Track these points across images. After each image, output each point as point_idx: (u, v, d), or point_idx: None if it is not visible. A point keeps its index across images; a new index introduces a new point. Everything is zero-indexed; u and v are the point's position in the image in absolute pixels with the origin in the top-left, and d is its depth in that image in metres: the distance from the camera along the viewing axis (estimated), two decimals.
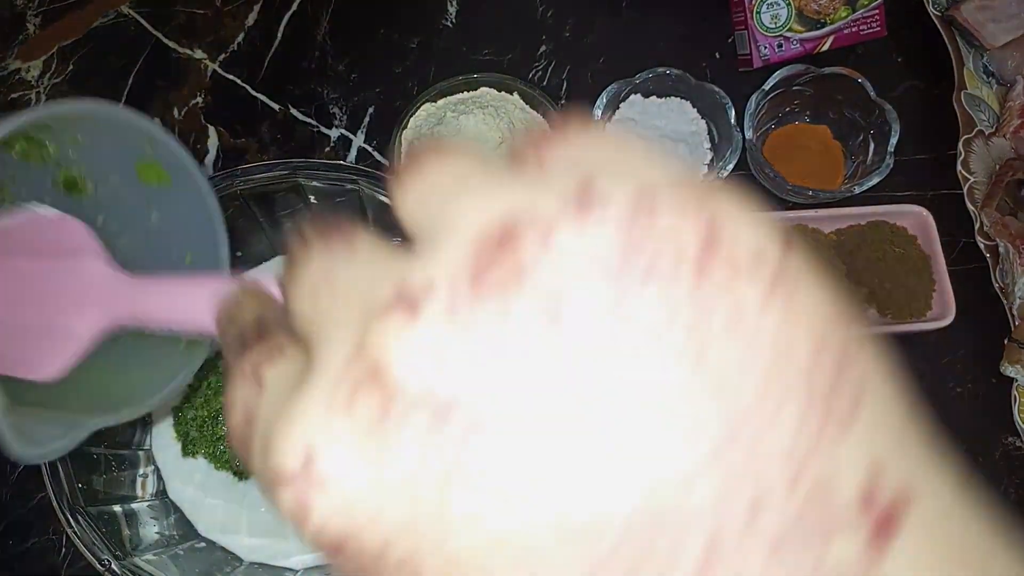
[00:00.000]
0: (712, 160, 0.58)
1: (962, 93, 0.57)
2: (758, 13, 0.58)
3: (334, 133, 0.61)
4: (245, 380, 0.13)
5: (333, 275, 0.13)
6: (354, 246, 0.13)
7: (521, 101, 0.57)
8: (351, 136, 0.61)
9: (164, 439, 0.49)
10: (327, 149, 0.61)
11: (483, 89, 0.57)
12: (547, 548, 0.10)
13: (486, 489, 0.10)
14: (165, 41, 0.64)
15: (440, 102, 0.57)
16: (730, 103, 0.56)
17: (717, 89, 0.57)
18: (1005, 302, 0.53)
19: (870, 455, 0.10)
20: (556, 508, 0.10)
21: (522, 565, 0.10)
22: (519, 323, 0.10)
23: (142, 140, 0.30)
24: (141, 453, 0.49)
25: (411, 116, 0.56)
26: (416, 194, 0.12)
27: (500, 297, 0.10)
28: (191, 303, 0.23)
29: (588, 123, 0.12)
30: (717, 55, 0.62)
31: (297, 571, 0.47)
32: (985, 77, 0.59)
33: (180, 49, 0.64)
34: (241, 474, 0.49)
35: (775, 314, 0.10)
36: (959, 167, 0.55)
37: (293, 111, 0.61)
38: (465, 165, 0.12)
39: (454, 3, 0.64)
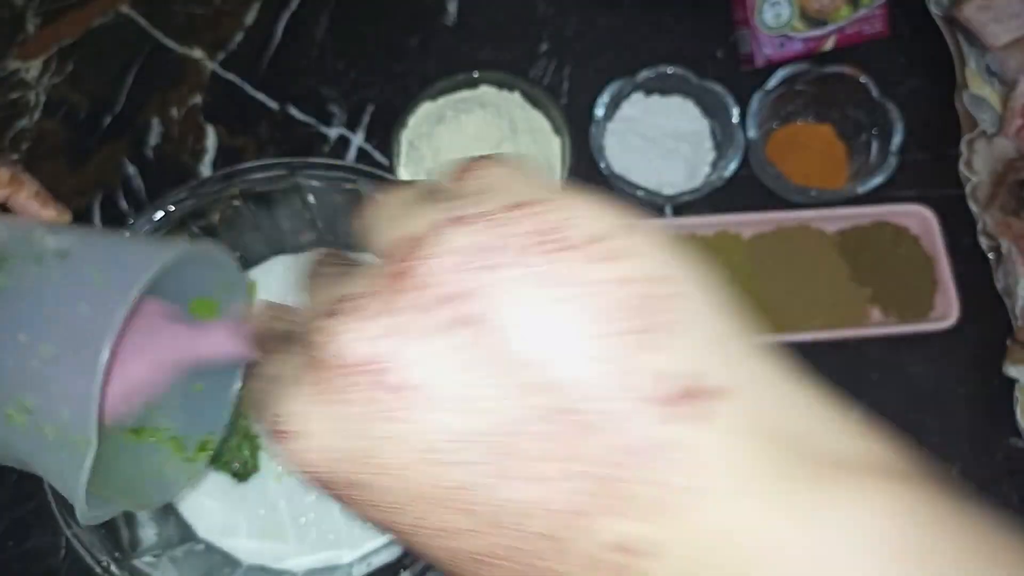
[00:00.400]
0: (715, 160, 0.58)
1: (964, 93, 0.56)
2: (760, 12, 0.58)
3: (333, 132, 0.61)
4: (268, 379, 0.18)
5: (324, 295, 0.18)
6: (348, 275, 0.18)
7: (522, 99, 0.57)
8: (350, 135, 0.61)
9: None
10: (326, 148, 0.60)
11: (484, 88, 0.57)
12: (444, 452, 0.15)
13: (397, 420, 0.15)
14: (164, 41, 0.64)
15: (440, 100, 0.57)
16: (733, 102, 0.56)
17: (719, 88, 0.56)
18: (1008, 302, 0.52)
19: (690, 364, 0.14)
20: (446, 423, 0.14)
21: (428, 463, 0.15)
22: (405, 306, 0.15)
23: (219, 284, 0.36)
24: None
25: (411, 115, 0.56)
26: (366, 222, 0.18)
27: (391, 292, 0.15)
28: (223, 341, 0.28)
29: (494, 161, 0.17)
30: (719, 54, 0.62)
31: (296, 573, 0.47)
32: (987, 77, 0.58)
33: (179, 48, 0.63)
34: (240, 476, 0.48)
35: (602, 271, 0.14)
36: (962, 167, 0.55)
37: (292, 110, 0.61)
38: (399, 202, 0.17)
39: (454, 1, 0.64)
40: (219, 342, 0.28)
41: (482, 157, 0.18)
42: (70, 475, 0.28)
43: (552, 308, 0.14)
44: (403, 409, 0.15)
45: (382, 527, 0.17)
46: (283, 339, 0.20)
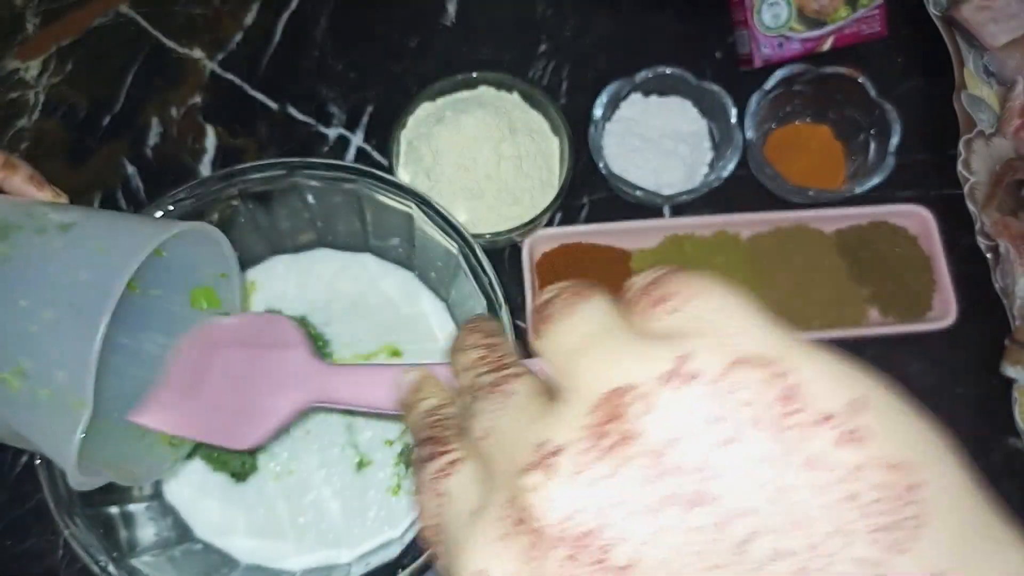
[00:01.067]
0: (713, 160, 0.58)
1: (962, 93, 0.57)
2: (759, 12, 0.58)
3: (333, 132, 0.61)
4: (430, 491, 0.18)
5: (495, 423, 0.17)
6: (511, 395, 0.18)
7: (521, 100, 0.57)
8: (350, 135, 0.61)
9: None
10: (326, 148, 0.60)
11: (482, 88, 0.57)
12: None
13: None
14: (164, 41, 0.64)
15: (439, 101, 0.57)
16: (731, 102, 0.56)
17: (718, 88, 0.56)
18: (1006, 302, 0.52)
19: (935, 566, 0.13)
20: None
21: None
22: (629, 474, 0.14)
23: (215, 273, 0.36)
24: None
25: (410, 115, 0.56)
26: (551, 343, 0.17)
27: (613, 456, 0.14)
28: (372, 388, 0.27)
29: (690, 283, 0.16)
30: (718, 54, 0.62)
31: (295, 573, 0.47)
32: (985, 77, 0.58)
33: (179, 49, 0.63)
34: (238, 476, 0.48)
35: (843, 455, 0.13)
36: (960, 167, 0.55)
37: (291, 110, 0.61)
38: (590, 324, 0.16)
39: (453, 2, 0.64)
40: (378, 395, 0.27)
41: (673, 273, 0.16)
42: (63, 438, 0.28)
43: (793, 496, 0.13)
44: None
45: None
46: (441, 425, 0.20)
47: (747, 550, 0.13)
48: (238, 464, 0.48)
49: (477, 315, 0.23)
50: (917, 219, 0.56)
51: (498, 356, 0.20)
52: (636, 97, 0.58)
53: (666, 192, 0.56)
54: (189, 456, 0.48)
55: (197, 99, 0.62)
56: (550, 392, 0.17)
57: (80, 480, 0.30)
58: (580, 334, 0.16)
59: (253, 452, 0.49)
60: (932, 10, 0.58)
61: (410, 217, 0.46)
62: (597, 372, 0.15)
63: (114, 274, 0.27)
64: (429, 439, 0.20)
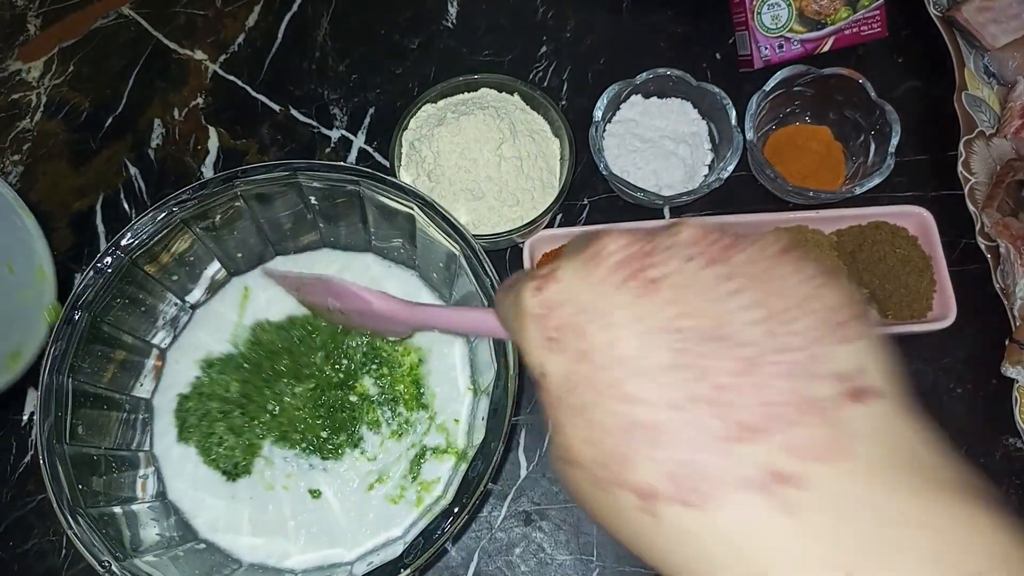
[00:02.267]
0: (713, 161, 0.58)
1: (963, 94, 0.57)
2: (759, 14, 0.58)
3: (335, 134, 0.61)
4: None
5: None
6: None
7: (522, 102, 0.57)
8: (351, 137, 0.61)
9: (164, 423, 0.49)
10: (327, 150, 0.61)
11: (483, 90, 0.57)
12: (649, 364, 0.19)
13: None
14: (165, 42, 0.64)
15: (440, 103, 0.57)
16: (731, 104, 0.56)
17: (718, 90, 0.56)
18: (1006, 303, 0.53)
19: (863, 360, 0.19)
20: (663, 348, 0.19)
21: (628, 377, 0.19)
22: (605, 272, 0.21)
23: None
24: (141, 454, 0.49)
25: (412, 117, 0.56)
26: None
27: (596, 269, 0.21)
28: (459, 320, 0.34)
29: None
30: (718, 56, 0.62)
31: (297, 572, 0.47)
32: (986, 78, 0.59)
33: (180, 50, 0.64)
34: (230, 474, 0.48)
35: (812, 283, 0.20)
36: (960, 168, 0.55)
37: (293, 112, 0.61)
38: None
39: (455, 4, 0.64)
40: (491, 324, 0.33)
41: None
42: None
43: (779, 280, 0.19)
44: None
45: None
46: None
47: (736, 297, 0.19)
48: (232, 465, 0.49)
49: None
50: (916, 220, 0.56)
51: None
52: (636, 98, 0.59)
53: (666, 193, 0.56)
54: (185, 440, 0.49)
55: (199, 101, 0.62)
56: None
57: None
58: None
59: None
60: (932, 11, 0.59)
61: (412, 218, 0.46)
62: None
63: None
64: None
